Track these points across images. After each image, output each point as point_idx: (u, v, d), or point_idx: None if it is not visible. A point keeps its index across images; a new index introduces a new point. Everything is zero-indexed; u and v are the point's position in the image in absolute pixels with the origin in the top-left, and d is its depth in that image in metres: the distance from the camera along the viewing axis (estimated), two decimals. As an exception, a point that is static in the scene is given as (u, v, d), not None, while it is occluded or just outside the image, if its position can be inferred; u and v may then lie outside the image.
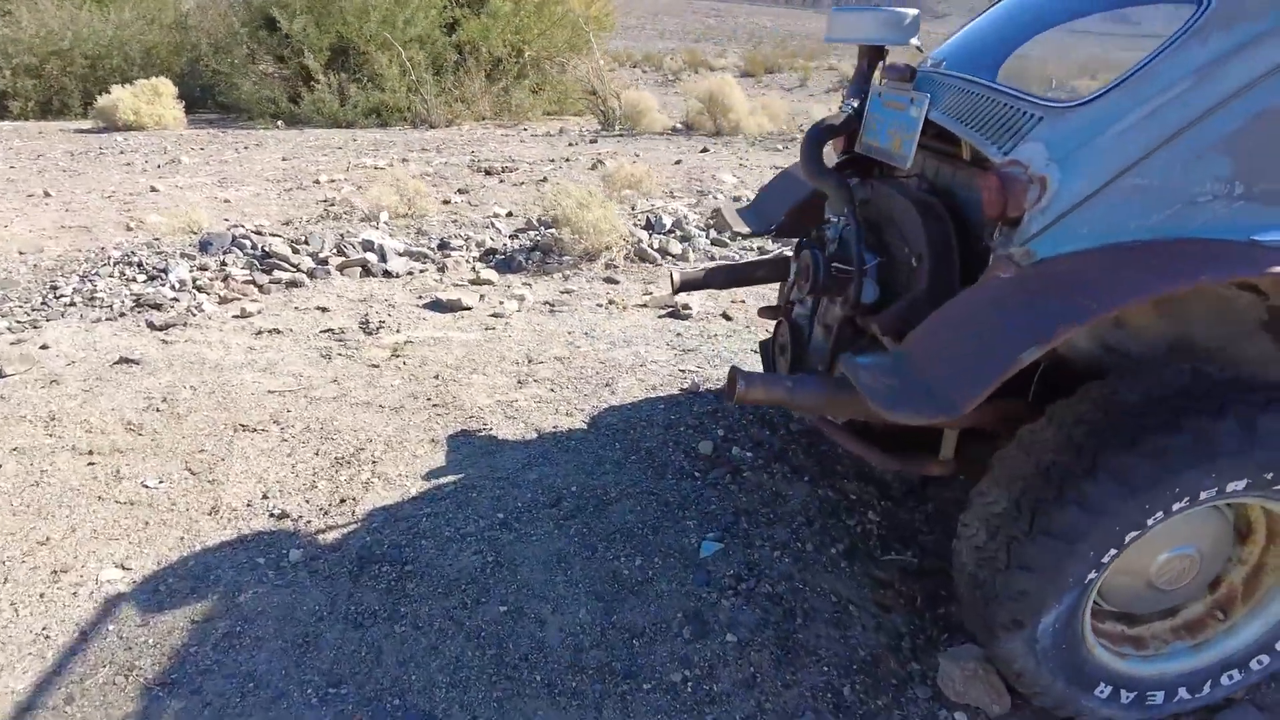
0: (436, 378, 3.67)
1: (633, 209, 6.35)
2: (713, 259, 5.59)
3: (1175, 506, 1.63)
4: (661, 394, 3.53)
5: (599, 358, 3.90)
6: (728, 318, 4.50)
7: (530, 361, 3.87)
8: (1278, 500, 1.72)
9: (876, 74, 2.58)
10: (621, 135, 10.85)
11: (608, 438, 3.14)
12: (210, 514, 2.67)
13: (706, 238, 5.93)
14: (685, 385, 3.60)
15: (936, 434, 2.16)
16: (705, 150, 9.57)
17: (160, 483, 2.82)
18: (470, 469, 2.94)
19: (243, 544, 2.53)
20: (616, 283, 5.09)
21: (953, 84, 2.13)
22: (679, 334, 4.25)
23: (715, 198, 6.86)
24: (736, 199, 6.95)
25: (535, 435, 3.18)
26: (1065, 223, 1.73)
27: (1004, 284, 1.72)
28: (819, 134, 2.42)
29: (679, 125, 11.76)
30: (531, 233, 5.80)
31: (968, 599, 1.88)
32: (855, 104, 2.46)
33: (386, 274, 5.02)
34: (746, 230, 2.96)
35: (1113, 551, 1.66)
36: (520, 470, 2.92)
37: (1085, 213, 1.72)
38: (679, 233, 5.92)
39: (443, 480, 2.88)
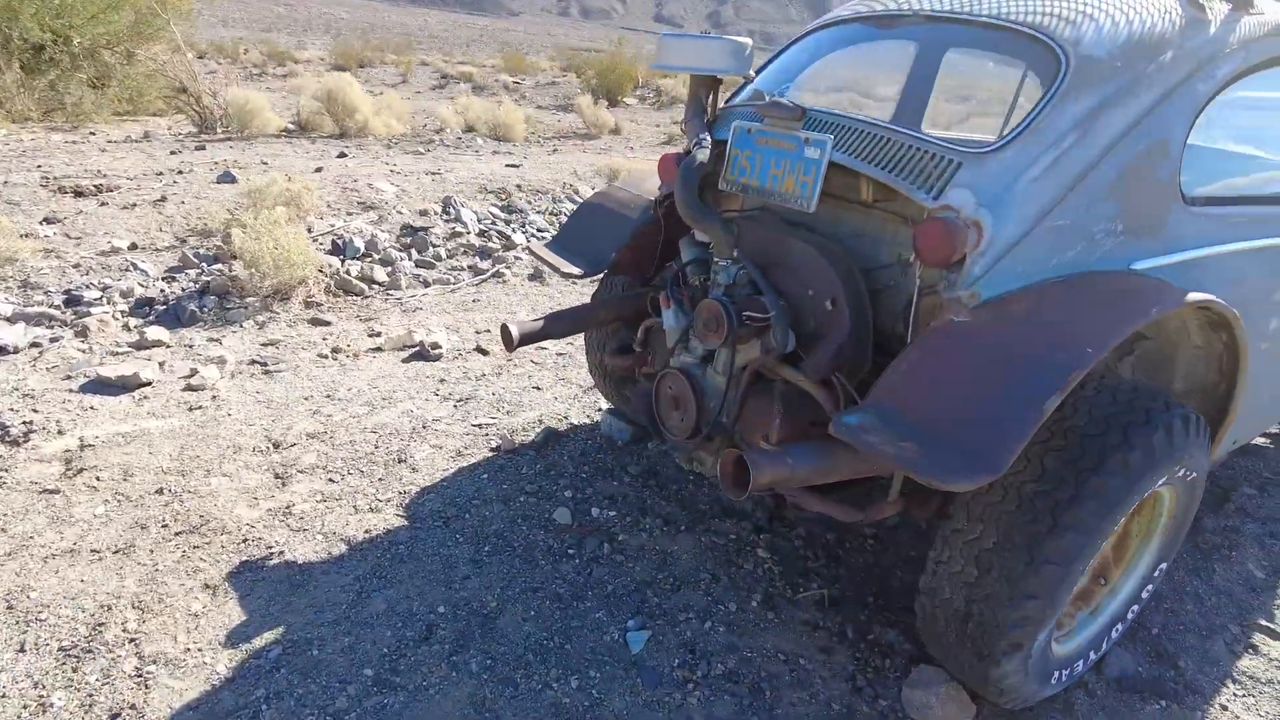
0: (160, 492, 2.71)
1: (309, 231, 5.43)
2: (425, 284, 5.05)
3: (1130, 509, 1.85)
4: (471, 460, 3.06)
5: (364, 426, 3.25)
6: (484, 351, 4.09)
7: (278, 446, 3.07)
8: (1176, 483, 2.03)
9: (711, 107, 2.49)
10: (230, 139, 9.26)
11: (442, 531, 2.62)
12: None
13: (409, 259, 5.34)
14: (494, 445, 3.17)
15: (874, 479, 2.17)
16: (344, 155, 8.62)
17: None
18: (288, 616, 2.21)
19: None
20: (327, 324, 4.31)
21: (839, 123, 2.11)
22: (441, 380, 3.74)
23: (399, 212, 6.20)
24: (541, 232, 6.42)
25: (346, 548, 2.52)
26: (1001, 265, 1.83)
27: (979, 331, 1.76)
28: (692, 172, 2.25)
29: (291, 125, 10.44)
30: (192, 271, 4.62)
31: (954, 632, 1.93)
32: (706, 138, 2.34)
33: (-9, 350, 3.58)
34: (578, 272, 2.67)
35: (1092, 561, 1.83)
36: (358, 603, 2.28)
37: (1018, 254, 1.84)
38: (376, 256, 5.23)
39: (258, 641, 2.12)
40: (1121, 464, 1.77)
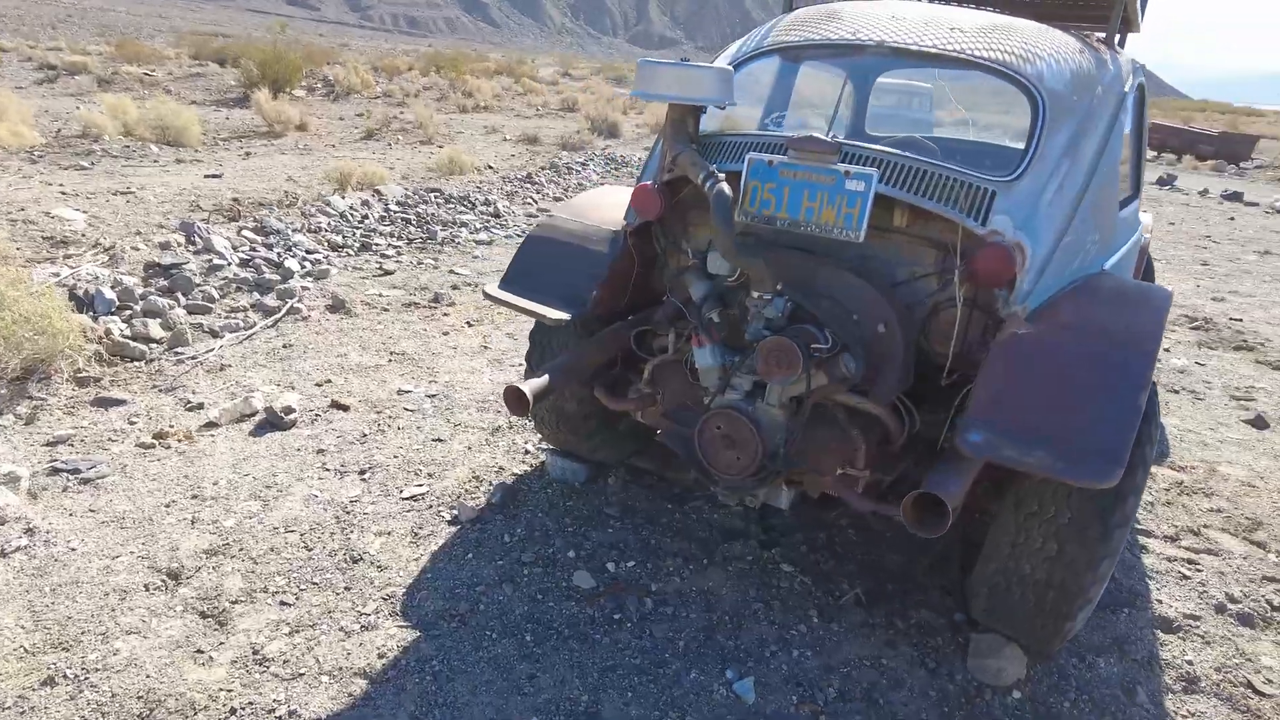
0: (48, 684, 1.96)
1: (29, 283, 4.17)
2: (214, 334, 4.19)
3: None
4: (436, 540, 2.66)
5: (271, 526, 2.66)
6: (343, 407, 3.54)
7: (176, 577, 2.38)
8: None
9: (695, 134, 2.42)
10: None
11: (464, 631, 2.26)
12: None
13: (179, 305, 4.36)
14: (448, 517, 2.78)
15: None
16: (-20, 175, 6.71)
17: None
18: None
19: None
20: (120, 402, 3.40)
21: (874, 156, 2.18)
22: (320, 450, 3.17)
23: (136, 249, 4.99)
24: (311, 254, 5.36)
25: (370, 683, 2.07)
26: (1041, 280, 2.09)
27: (1051, 343, 1.97)
28: (728, 210, 2.17)
29: None
30: (-124, 362, 3.31)
31: (1032, 601, 2.17)
32: (717, 172, 2.28)
33: None
34: (564, 318, 2.45)
35: (1133, 513, 2.19)
36: (433, 742, 1.90)
37: (1049, 270, 2.11)
38: (136, 307, 4.20)
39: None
40: (1151, 436, 2.14)
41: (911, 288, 2.27)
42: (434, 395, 3.76)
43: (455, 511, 2.81)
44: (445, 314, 4.90)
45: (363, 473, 3.03)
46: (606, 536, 2.73)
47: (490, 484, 3.00)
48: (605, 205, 2.83)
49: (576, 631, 2.30)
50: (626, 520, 2.84)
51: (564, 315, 2.44)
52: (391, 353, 4.22)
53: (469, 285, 5.52)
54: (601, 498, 2.96)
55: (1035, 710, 2.19)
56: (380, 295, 5.12)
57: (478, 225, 7.17)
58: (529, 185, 9.28)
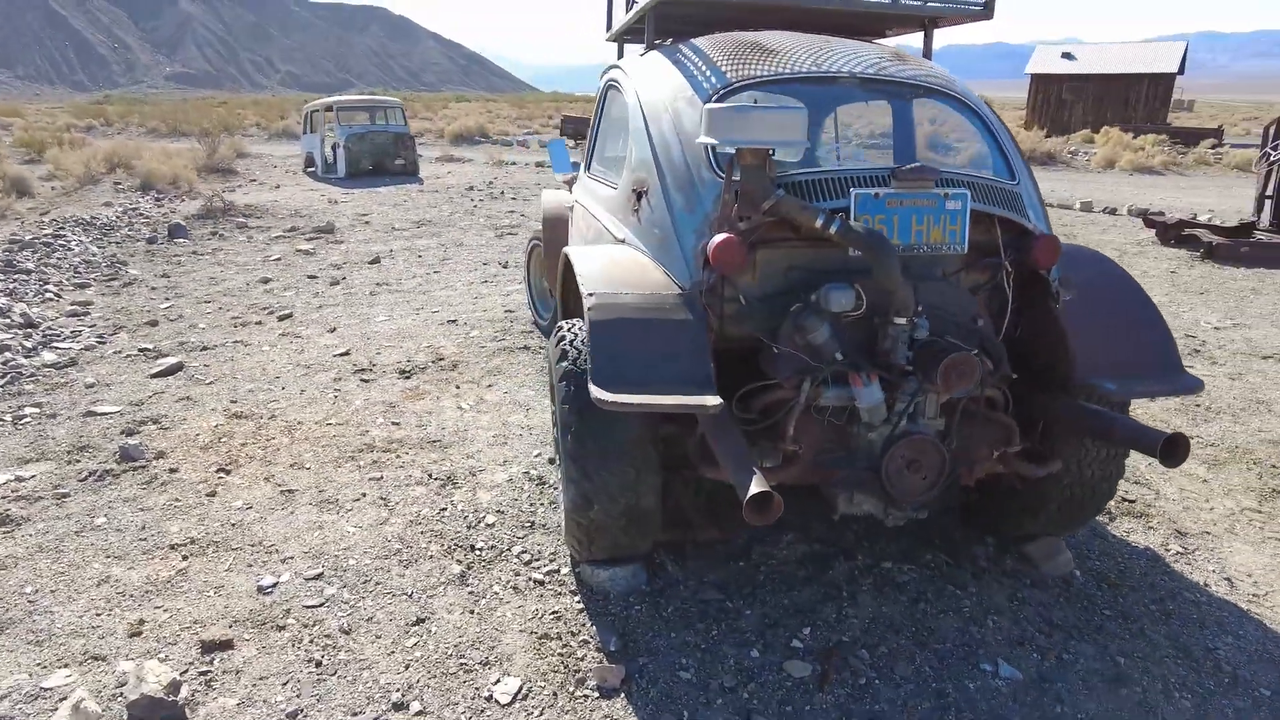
0: None
1: None
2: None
3: None
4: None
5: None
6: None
7: None
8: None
9: (768, 176, 2.30)
10: None
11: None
12: None
13: None
14: (594, 687, 2.16)
15: None
16: None
17: None
18: None
19: None
20: None
21: (955, 178, 2.41)
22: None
23: None
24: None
25: None
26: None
27: (1095, 299, 2.49)
28: (890, 248, 2.20)
29: None
30: None
31: (1076, 505, 2.71)
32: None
33: None
34: (717, 402, 2.12)
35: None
36: None
37: (1049, 247, 2.65)
38: None
39: None
40: None
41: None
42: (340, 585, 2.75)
43: (596, 682, 2.23)
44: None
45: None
46: (749, 620, 2.49)
47: (587, 648, 2.42)
48: (628, 265, 2.48)
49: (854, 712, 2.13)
50: (736, 595, 2.61)
51: (715, 399, 2.13)
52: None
53: None
54: (682, 587, 2.65)
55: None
56: None
57: None
58: None
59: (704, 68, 2.70)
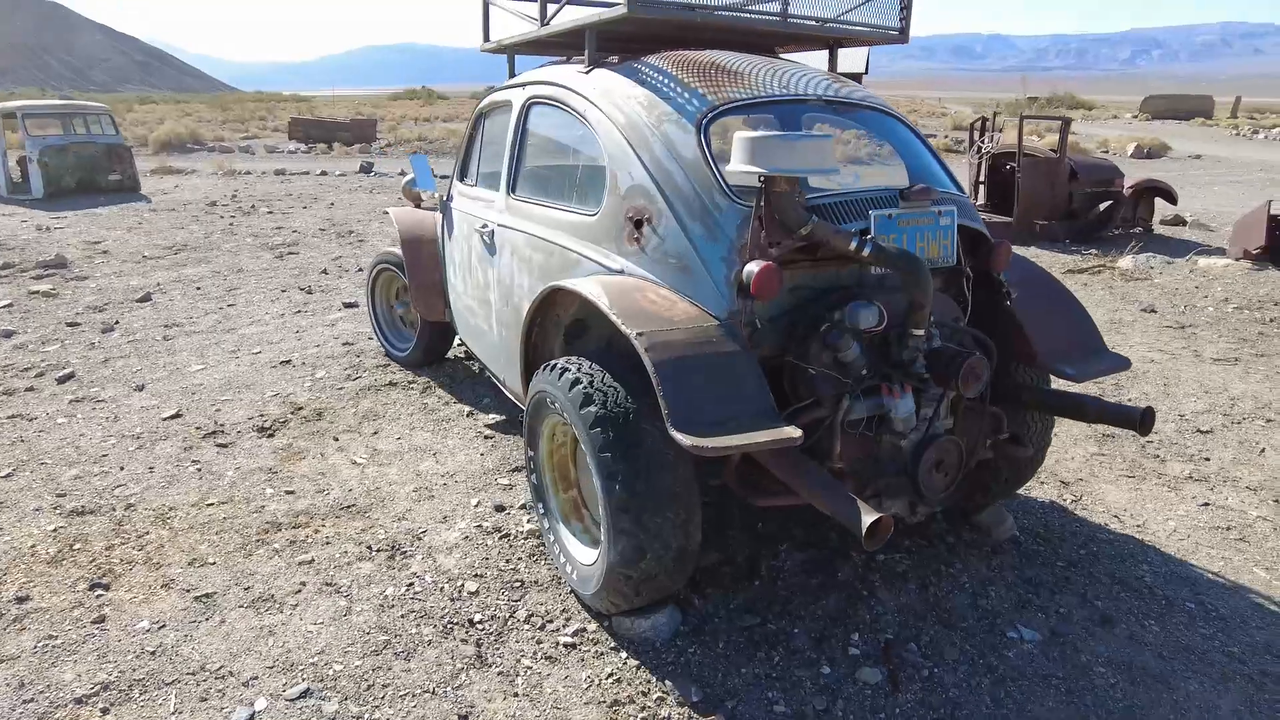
0: None
1: None
2: None
3: None
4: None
5: None
6: None
7: None
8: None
9: (798, 202, 2.31)
10: None
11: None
12: None
13: None
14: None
15: None
16: None
17: None
18: None
19: None
20: None
21: (944, 196, 2.58)
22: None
23: None
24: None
25: None
26: None
27: (1036, 293, 2.82)
28: (924, 268, 2.30)
29: None
30: None
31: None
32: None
33: None
34: (798, 434, 2.10)
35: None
36: None
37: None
38: None
39: None
40: None
41: None
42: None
43: (697, 738, 2.12)
44: None
45: None
46: (799, 639, 2.50)
47: (666, 704, 2.28)
48: (652, 298, 2.37)
49: (942, 711, 2.25)
50: (771, 615, 2.61)
51: (795, 430, 2.11)
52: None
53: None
54: (716, 620, 2.60)
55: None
56: None
57: None
58: None
59: (678, 89, 2.65)
